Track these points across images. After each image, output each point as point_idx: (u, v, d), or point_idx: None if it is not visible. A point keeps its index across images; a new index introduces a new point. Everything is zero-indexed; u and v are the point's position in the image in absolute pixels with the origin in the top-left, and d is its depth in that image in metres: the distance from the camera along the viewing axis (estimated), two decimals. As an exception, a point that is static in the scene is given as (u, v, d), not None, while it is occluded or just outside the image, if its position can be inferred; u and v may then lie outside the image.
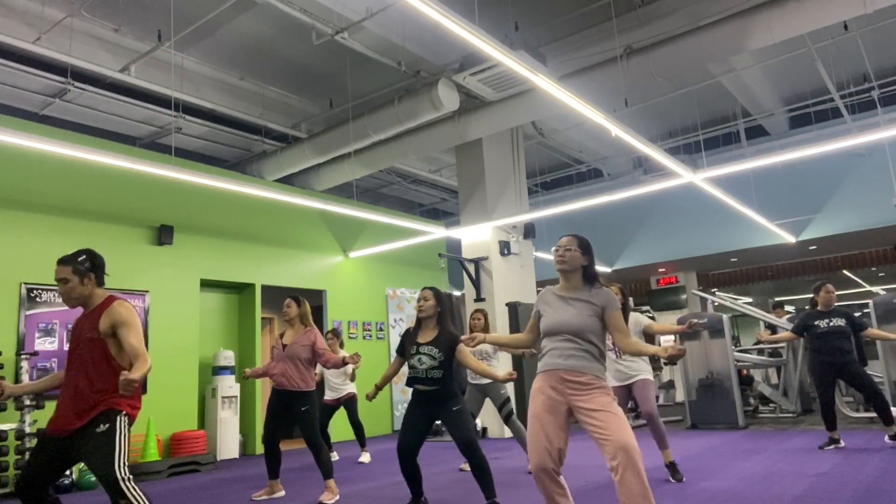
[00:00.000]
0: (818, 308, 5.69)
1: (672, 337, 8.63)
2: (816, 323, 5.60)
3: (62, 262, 2.81)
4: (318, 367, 6.82)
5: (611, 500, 3.97)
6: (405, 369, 4.17)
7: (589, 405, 2.64)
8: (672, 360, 2.57)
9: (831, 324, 5.53)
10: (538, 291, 11.59)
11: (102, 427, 2.65)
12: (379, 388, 3.97)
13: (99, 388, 2.71)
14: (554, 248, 2.90)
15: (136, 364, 2.65)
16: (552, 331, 2.80)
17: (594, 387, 2.67)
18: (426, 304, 3.88)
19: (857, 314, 5.80)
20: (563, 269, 2.85)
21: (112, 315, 2.76)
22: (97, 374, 2.73)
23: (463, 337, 3.13)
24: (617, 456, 2.49)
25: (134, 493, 2.58)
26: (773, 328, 9.33)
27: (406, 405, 10.16)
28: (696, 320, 2.54)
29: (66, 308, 6.51)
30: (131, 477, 2.62)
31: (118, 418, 2.69)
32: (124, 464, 2.63)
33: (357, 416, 6.66)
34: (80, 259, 2.84)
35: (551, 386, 2.73)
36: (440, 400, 3.77)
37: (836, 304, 5.72)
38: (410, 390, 3.90)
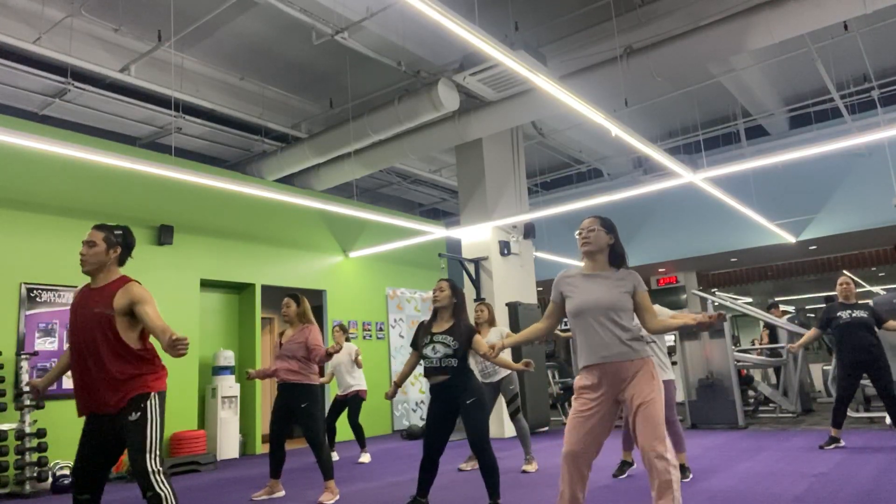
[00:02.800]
0: (840, 301, 5.66)
1: (672, 336, 8.63)
2: (839, 314, 5.54)
3: (98, 227, 2.86)
4: (330, 367, 6.86)
5: (611, 500, 3.97)
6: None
7: (631, 393, 2.61)
8: (703, 328, 2.55)
9: (854, 315, 5.48)
10: (538, 291, 11.61)
11: (134, 416, 2.67)
12: (398, 385, 3.98)
13: (118, 371, 2.68)
14: (577, 232, 2.84)
15: (161, 337, 2.61)
16: (583, 309, 2.70)
17: (638, 372, 2.62)
18: (442, 295, 3.87)
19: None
20: (590, 251, 2.79)
21: (131, 293, 2.74)
22: (113, 356, 2.69)
23: (485, 350, 3.10)
24: (645, 457, 2.52)
25: (162, 486, 2.61)
26: (772, 328, 9.33)
27: (406, 405, 10.17)
28: (720, 313, 2.54)
29: (66, 308, 6.51)
30: (161, 469, 2.64)
31: (148, 403, 2.70)
32: (156, 455, 2.65)
33: (357, 417, 6.65)
34: (115, 231, 2.88)
35: (599, 379, 2.67)
36: (457, 390, 3.73)
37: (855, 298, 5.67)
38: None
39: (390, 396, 3.97)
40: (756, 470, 4.74)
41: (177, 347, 2.47)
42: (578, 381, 2.74)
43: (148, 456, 2.63)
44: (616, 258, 2.82)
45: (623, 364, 2.64)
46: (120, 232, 2.89)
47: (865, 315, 5.48)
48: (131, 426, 2.66)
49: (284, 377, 4.68)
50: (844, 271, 12.37)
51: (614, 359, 2.64)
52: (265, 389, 9.76)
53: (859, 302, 5.61)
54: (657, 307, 4.52)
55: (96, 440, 2.72)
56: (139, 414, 2.67)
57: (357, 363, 6.69)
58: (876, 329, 5.51)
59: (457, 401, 3.74)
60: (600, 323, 2.67)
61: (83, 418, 2.78)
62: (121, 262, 2.89)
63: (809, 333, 5.85)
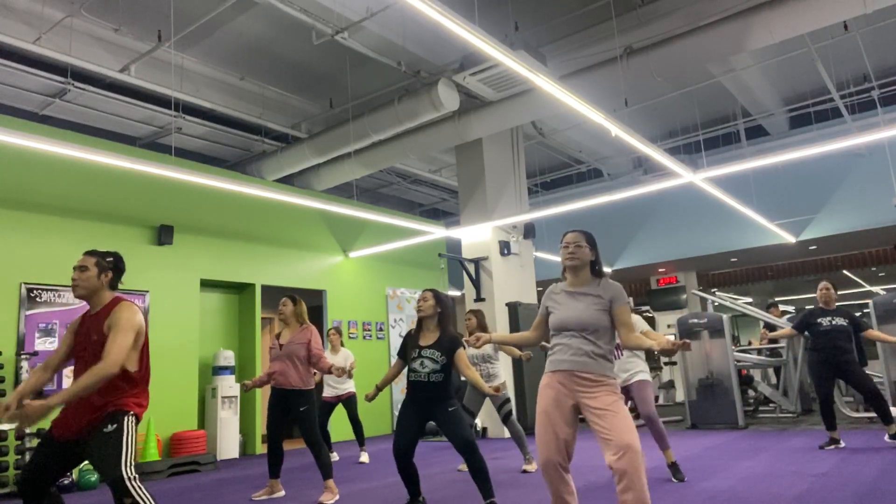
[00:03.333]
0: (820, 306, 5.69)
1: (671, 336, 8.63)
2: (819, 321, 5.59)
3: (89, 252, 2.91)
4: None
5: (610, 500, 3.97)
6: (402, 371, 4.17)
7: (595, 404, 2.65)
8: (666, 354, 2.58)
9: (834, 322, 5.52)
10: (538, 291, 11.62)
11: (109, 427, 2.65)
12: (379, 389, 3.97)
13: (105, 392, 2.70)
14: (562, 246, 2.89)
15: (100, 362, 2.59)
16: (561, 326, 2.80)
17: (601, 384, 2.68)
18: (425, 305, 3.90)
19: (857, 314, 5.79)
20: (574, 266, 2.86)
21: (111, 318, 2.78)
22: (102, 387, 2.71)
23: (470, 337, 3.13)
24: (619, 455, 2.51)
25: (140, 492, 2.59)
26: (772, 328, 9.33)
27: (406, 405, 10.17)
28: (685, 341, 2.67)
29: (66, 308, 6.51)
30: (137, 476, 2.62)
31: (125, 419, 2.69)
32: (131, 464, 2.63)
33: (356, 414, 6.67)
34: (107, 257, 2.93)
35: (560, 382, 2.74)
36: (436, 399, 3.77)
37: (836, 303, 5.72)
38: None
39: (370, 398, 3.95)
40: (756, 470, 4.74)
41: (29, 415, 2.43)
42: (542, 381, 2.83)
43: (124, 464, 2.59)
44: (597, 272, 2.90)
45: (587, 376, 2.70)
46: (111, 258, 2.94)
47: (845, 323, 5.52)
48: (106, 437, 2.62)
49: (281, 381, 4.66)
50: (844, 271, 12.38)
51: (580, 370, 2.71)
52: (265, 389, 9.76)
53: (840, 307, 5.66)
54: (634, 318, 4.65)
55: (55, 453, 2.68)
56: (115, 426, 2.65)
57: (349, 374, 6.64)
58: (853, 336, 5.56)
59: (432, 407, 3.76)
60: (577, 339, 2.75)
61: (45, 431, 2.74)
62: (112, 285, 2.93)
63: (785, 331, 5.92)
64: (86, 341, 2.81)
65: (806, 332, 5.74)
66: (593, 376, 2.69)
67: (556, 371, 2.77)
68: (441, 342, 3.81)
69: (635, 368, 4.65)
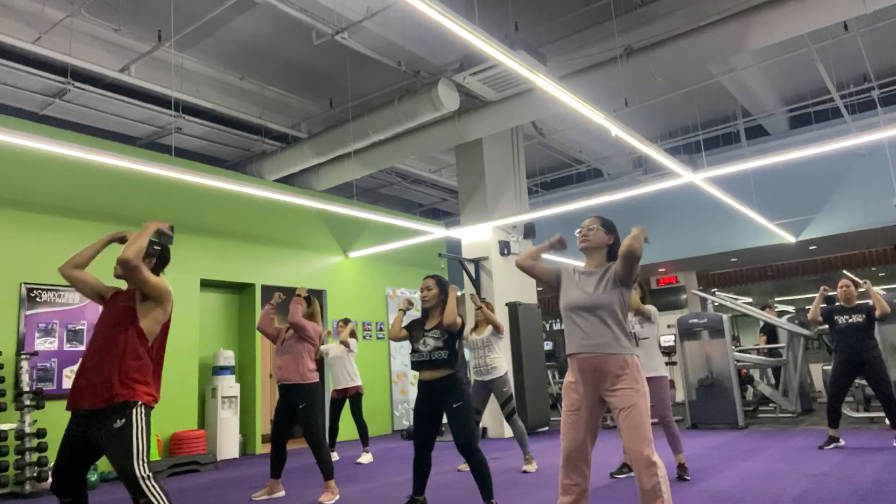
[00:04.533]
0: (841, 304, 5.67)
1: (672, 336, 8.64)
2: (836, 318, 5.57)
3: None
4: (329, 354, 6.86)
5: (611, 500, 3.97)
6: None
7: (616, 402, 2.62)
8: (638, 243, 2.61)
9: (850, 320, 5.49)
10: (538, 291, 11.62)
11: (119, 423, 2.62)
12: (393, 338, 3.95)
13: (118, 370, 2.68)
14: (577, 231, 2.91)
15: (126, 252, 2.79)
16: (570, 306, 2.78)
17: (620, 377, 2.63)
18: (429, 294, 3.80)
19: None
20: (586, 247, 2.86)
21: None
22: (116, 353, 2.71)
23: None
24: (632, 462, 2.55)
25: (154, 491, 2.56)
26: (771, 329, 9.33)
27: (406, 405, 10.17)
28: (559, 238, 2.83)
29: (66, 308, 6.51)
30: (151, 475, 2.59)
31: (134, 411, 2.66)
32: (144, 461, 2.60)
33: (361, 413, 6.68)
34: (154, 245, 3.07)
35: (580, 378, 2.71)
36: (444, 390, 3.69)
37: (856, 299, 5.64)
38: (410, 390, 3.93)
39: (394, 333, 3.89)
40: (756, 470, 4.74)
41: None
42: (567, 376, 2.82)
43: (136, 462, 2.57)
44: (614, 256, 2.88)
45: (601, 357, 2.65)
46: (159, 246, 3.06)
47: (861, 319, 5.48)
48: (116, 433, 2.60)
49: (281, 377, 4.74)
50: (844, 271, 12.38)
51: (593, 349, 2.66)
52: (265, 389, 9.75)
53: (859, 304, 5.61)
54: (649, 307, 4.80)
55: (74, 441, 2.69)
56: (124, 421, 2.62)
57: (351, 333, 6.67)
58: (874, 331, 5.51)
59: (441, 401, 3.70)
60: (584, 318, 2.73)
61: (67, 420, 2.76)
62: (153, 272, 2.99)
63: (813, 311, 5.74)
64: (112, 310, 2.83)
65: (826, 326, 5.70)
66: (610, 367, 2.64)
67: (574, 356, 2.72)
68: (442, 323, 3.76)
69: (651, 363, 4.55)
